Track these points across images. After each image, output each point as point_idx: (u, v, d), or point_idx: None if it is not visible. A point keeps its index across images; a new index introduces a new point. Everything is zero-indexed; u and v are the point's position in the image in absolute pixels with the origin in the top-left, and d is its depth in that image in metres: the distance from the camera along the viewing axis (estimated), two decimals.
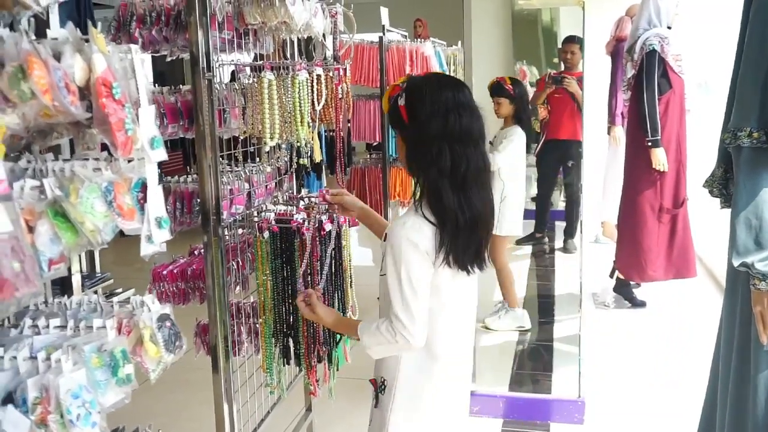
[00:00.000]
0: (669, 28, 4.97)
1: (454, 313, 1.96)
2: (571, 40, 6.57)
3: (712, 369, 2.17)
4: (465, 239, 1.84)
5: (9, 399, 1.13)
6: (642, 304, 5.49)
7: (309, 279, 2.40)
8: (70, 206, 1.14)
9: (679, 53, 5.00)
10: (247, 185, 2.49)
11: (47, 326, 1.32)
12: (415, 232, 1.81)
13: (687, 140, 5.06)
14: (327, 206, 2.35)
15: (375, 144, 4.93)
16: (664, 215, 5.04)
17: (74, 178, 1.21)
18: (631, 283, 5.55)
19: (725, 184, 1.96)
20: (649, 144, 4.89)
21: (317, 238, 2.38)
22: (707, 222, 5.37)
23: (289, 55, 2.79)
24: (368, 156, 5.12)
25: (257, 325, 2.64)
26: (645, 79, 4.88)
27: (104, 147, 1.41)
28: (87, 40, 1.20)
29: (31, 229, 1.10)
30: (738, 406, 1.90)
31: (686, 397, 3.95)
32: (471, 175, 1.82)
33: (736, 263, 1.75)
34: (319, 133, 3.03)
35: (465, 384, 2.10)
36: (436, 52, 4.87)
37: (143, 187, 1.38)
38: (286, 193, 2.86)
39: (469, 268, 1.90)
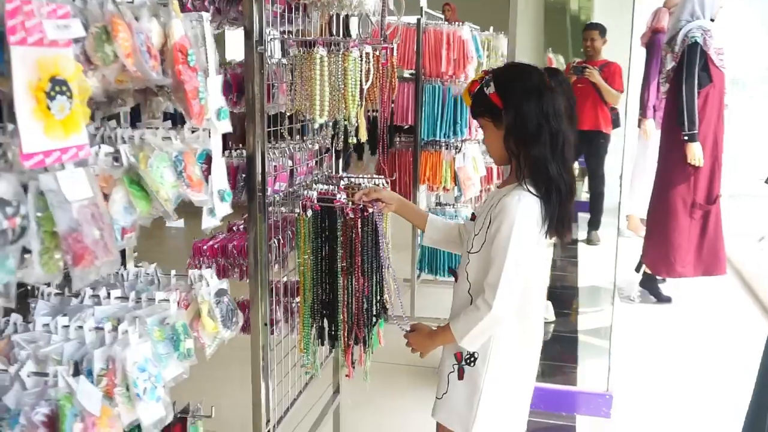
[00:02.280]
0: (712, 20, 4.87)
1: (540, 280, 2.17)
2: (591, 27, 6.48)
3: (760, 370, 2.12)
4: (564, 209, 2.02)
5: (75, 370, 1.11)
6: (668, 300, 5.43)
7: (349, 260, 2.37)
8: (146, 174, 1.11)
9: (721, 47, 4.90)
10: (290, 162, 2.46)
11: (108, 296, 1.30)
12: (529, 207, 1.97)
13: (724, 136, 4.98)
14: (366, 204, 2.33)
15: (406, 127, 4.86)
16: (696, 211, 4.97)
17: (144, 146, 1.18)
18: (657, 278, 5.49)
19: None
20: (686, 138, 4.81)
21: (360, 219, 2.35)
22: (735, 219, 5.29)
23: (334, 32, 2.74)
24: (398, 139, 5.06)
25: (293, 305, 2.61)
26: (685, 71, 4.79)
27: (166, 117, 1.38)
28: (164, 4, 1.17)
29: (105, 197, 1.07)
30: None
31: (712, 396, 3.92)
32: (566, 148, 2.00)
33: None
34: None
35: (540, 347, 2.25)
36: (473, 36, 4.80)
37: (207, 158, 1.35)
38: (326, 172, 2.83)
39: (563, 236, 2.09)
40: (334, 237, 2.39)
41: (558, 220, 2.03)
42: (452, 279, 2.25)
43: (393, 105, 3.57)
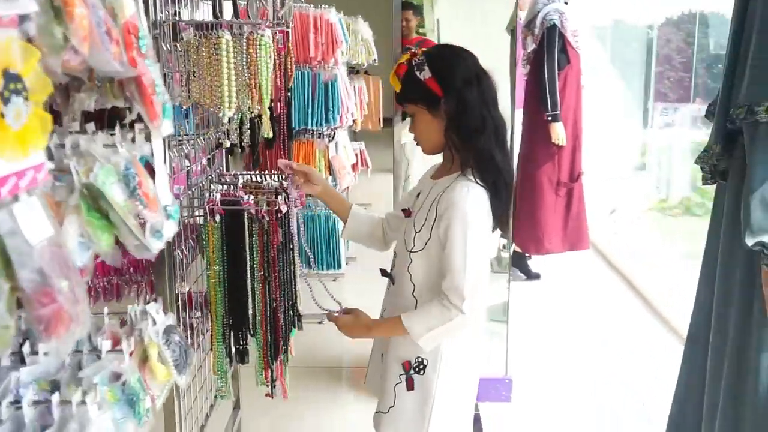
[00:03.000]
0: (566, 3, 5.01)
1: (487, 272, 2.04)
2: (405, 7, 6.48)
3: (687, 357, 2.12)
4: (506, 198, 1.93)
5: None
6: (537, 276, 5.58)
7: (267, 267, 2.13)
8: (112, 196, 0.84)
9: (576, 28, 5.06)
10: (186, 162, 2.17)
11: (34, 351, 1.00)
12: (479, 200, 1.84)
13: (582, 115, 5.17)
14: (288, 176, 2.09)
15: (275, 115, 4.60)
16: (561, 188, 5.14)
17: (84, 157, 0.90)
18: (526, 255, 5.63)
19: (720, 161, 1.90)
20: (549, 119, 4.94)
21: (275, 221, 2.11)
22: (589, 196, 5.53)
23: (223, 14, 2.46)
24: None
25: (195, 320, 2.33)
26: (546, 53, 4.92)
27: (87, 118, 1.10)
28: None
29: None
30: (734, 392, 1.86)
31: (594, 374, 4.05)
32: (504, 135, 1.92)
33: (750, 242, 1.69)
34: None
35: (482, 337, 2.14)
36: (339, 19, 4.61)
37: (147, 168, 1.08)
38: (216, 171, 2.55)
39: (505, 228, 2.05)
40: (243, 243, 2.14)
41: (504, 209, 1.94)
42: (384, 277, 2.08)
43: (289, 94, 3.32)
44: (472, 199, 1.82)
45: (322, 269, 4.76)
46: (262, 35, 1.95)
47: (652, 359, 4.20)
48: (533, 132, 5.12)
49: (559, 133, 4.96)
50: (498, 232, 2.00)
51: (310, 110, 4.44)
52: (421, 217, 1.91)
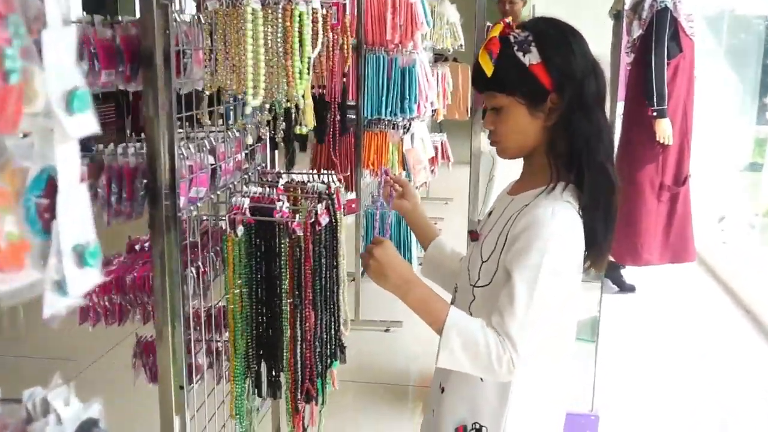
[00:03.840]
0: None
1: (573, 331, 1.55)
2: None
3: None
4: (611, 226, 1.47)
5: None
6: (632, 289, 5.01)
7: (297, 292, 1.74)
8: None
9: (690, 13, 4.46)
10: (211, 158, 1.81)
11: None
12: (570, 225, 1.40)
13: (693, 111, 4.57)
14: (383, 185, 1.74)
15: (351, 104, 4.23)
16: (664, 193, 4.58)
17: None
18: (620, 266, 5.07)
19: None
20: (654, 114, 4.39)
21: (310, 236, 1.72)
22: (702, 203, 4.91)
23: None
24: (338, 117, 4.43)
25: (219, 344, 1.98)
26: (654, 40, 4.35)
27: None
28: None
29: None
30: None
31: (682, 394, 3.51)
32: (613, 144, 1.54)
33: None
34: None
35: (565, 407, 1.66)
36: (421, 0, 4.18)
37: (49, 186, 0.70)
38: (258, 168, 2.18)
39: (600, 266, 1.55)
40: (274, 261, 1.76)
41: (608, 246, 1.49)
42: None
43: (344, 80, 2.92)
44: (561, 221, 1.38)
45: None
46: (297, 3, 1.55)
47: (762, 391, 3.62)
48: (635, 128, 4.57)
49: (665, 130, 4.39)
50: None
51: (384, 98, 4.05)
52: (490, 242, 1.48)
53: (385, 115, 4.07)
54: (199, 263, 1.76)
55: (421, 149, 4.39)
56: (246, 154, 2.09)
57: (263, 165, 2.21)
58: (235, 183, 1.97)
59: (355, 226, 4.16)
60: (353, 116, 3.97)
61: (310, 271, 1.71)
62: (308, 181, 2.09)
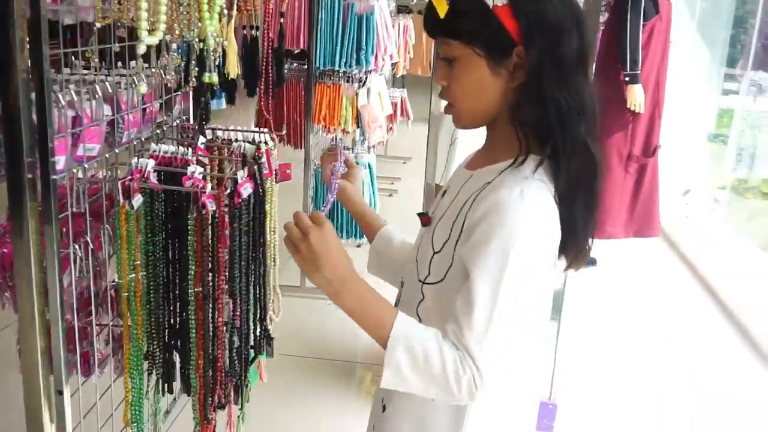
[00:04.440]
0: None
1: (540, 331, 1.24)
2: None
3: None
4: (593, 215, 1.20)
5: None
6: (592, 262, 4.79)
7: (210, 278, 1.42)
8: None
9: None
10: (107, 108, 1.45)
11: None
12: (542, 209, 1.10)
13: (667, 78, 4.31)
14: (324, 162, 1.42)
15: (296, 52, 3.85)
16: (632, 164, 4.36)
17: None
18: None
19: None
20: (627, 79, 4.13)
21: (226, 211, 1.39)
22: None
23: None
24: (286, 66, 4.04)
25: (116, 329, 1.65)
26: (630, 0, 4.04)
27: None
28: None
29: None
30: None
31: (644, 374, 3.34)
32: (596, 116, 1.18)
33: None
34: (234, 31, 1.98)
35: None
36: None
37: None
38: (176, 122, 1.83)
39: (579, 260, 1.22)
40: (181, 235, 1.43)
41: (589, 231, 1.20)
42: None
43: (282, 20, 2.52)
44: (531, 205, 1.08)
45: (342, 237, 4.07)
46: None
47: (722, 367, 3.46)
48: (605, 94, 4.27)
49: (637, 96, 4.14)
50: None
51: (339, 47, 3.67)
52: (443, 228, 1.18)
53: (339, 67, 3.70)
54: (88, 238, 1.41)
55: (377, 105, 4.04)
56: (161, 104, 1.74)
57: (184, 118, 1.86)
58: (143, 140, 1.62)
59: (303, 187, 3.83)
60: (303, 65, 3.60)
61: (224, 254, 1.39)
62: (236, 140, 1.75)
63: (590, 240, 1.21)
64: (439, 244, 1.17)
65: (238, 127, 1.81)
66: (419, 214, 1.28)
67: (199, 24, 1.24)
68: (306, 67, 3.71)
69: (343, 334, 3.61)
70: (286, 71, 3.98)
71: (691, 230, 5.46)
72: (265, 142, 1.77)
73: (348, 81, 3.82)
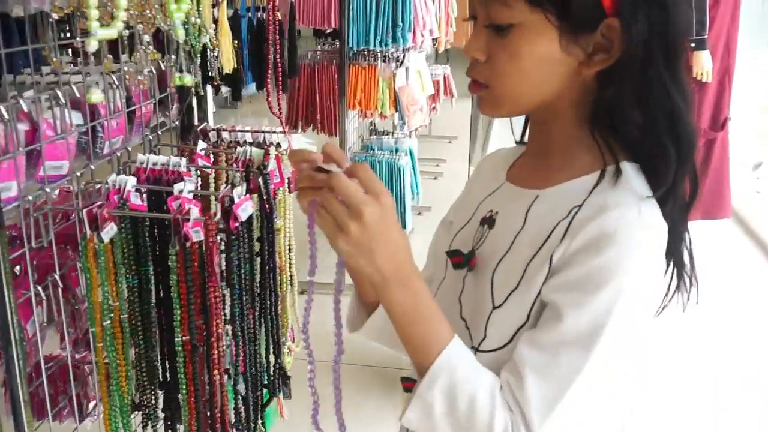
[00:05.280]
0: None
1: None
2: None
3: None
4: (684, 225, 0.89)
5: None
6: None
7: (203, 322, 1.17)
8: None
9: None
10: (77, 116, 1.20)
11: None
12: (657, 240, 0.80)
13: (737, 43, 3.91)
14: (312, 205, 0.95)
15: (329, 31, 3.57)
16: (699, 139, 3.93)
17: None
18: None
19: None
20: (692, 45, 3.72)
21: (215, 241, 1.13)
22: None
23: None
24: (318, 48, 3.77)
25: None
26: None
27: None
28: None
29: None
30: None
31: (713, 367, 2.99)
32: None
33: None
34: (235, 13, 1.71)
35: None
36: None
37: None
38: (173, 123, 1.57)
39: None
40: (165, 263, 1.18)
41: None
42: None
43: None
44: (650, 231, 0.80)
45: None
46: None
47: None
48: None
49: (704, 64, 3.76)
50: None
51: (372, 25, 3.38)
52: (508, 273, 0.85)
53: (374, 46, 3.40)
54: (56, 276, 1.17)
55: (417, 86, 3.74)
56: (154, 104, 1.49)
57: (182, 121, 1.60)
58: (129, 149, 1.37)
59: None
60: (333, 46, 3.31)
61: (216, 293, 1.13)
62: (243, 143, 1.50)
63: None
64: (501, 296, 0.85)
65: (246, 127, 1.55)
66: (451, 254, 0.93)
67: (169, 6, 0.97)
68: (338, 47, 3.42)
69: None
70: (319, 52, 3.71)
71: (763, 207, 5.02)
72: (278, 144, 1.50)
73: (384, 61, 3.53)
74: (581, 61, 0.81)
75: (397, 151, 3.88)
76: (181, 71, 1.04)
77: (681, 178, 0.82)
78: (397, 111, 3.60)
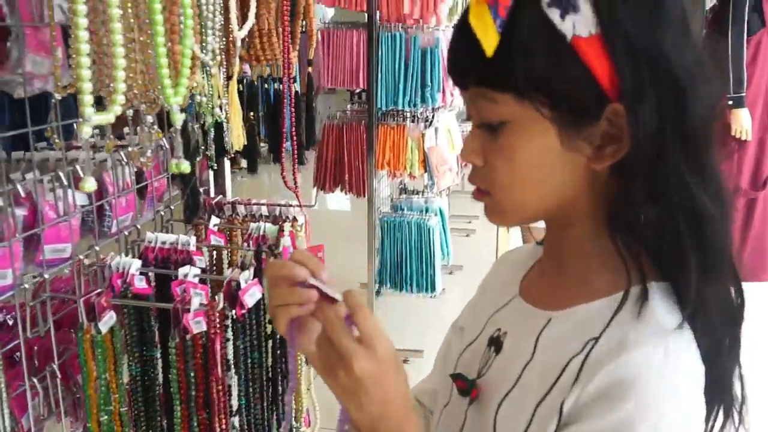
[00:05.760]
0: None
1: None
2: None
3: None
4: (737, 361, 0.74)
5: None
6: None
7: (206, 416, 1.09)
8: None
9: None
10: (81, 198, 1.16)
11: None
12: (694, 386, 0.67)
13: None
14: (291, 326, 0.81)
15: (358, 91, 3.56)
16: (739, 199, 3.85)
17: None
18: None
19: None
20: (730, 103, 3.65)
21: (220, 330, 1.06)
22: None
23: None
24: (348, 108, 3.75)
25: None
26: (732, 12, 3.60)
27: None
28: None
29: None
30: None
31: None
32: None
33: None
34: (250, 85, 1.67)
35: None
36: None
37: None
38: (187, 196, 1.53)
39: None
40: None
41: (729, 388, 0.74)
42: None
43: (310, 69, 2.20)
44: (681, 373, 0.66)
45: (412, 292, 3.72)
46: None
47: None
48: None
49: (743, 122, 3.68)
50: None
51: (402, 85, 3.35)
52: (514, 410, 0.74)
53: (403, 106, 3.38)
54: (54, 366, 1.11)
55: (447, 145, 3.69)
56: (168, 178, 1.44)
57: (200, 194, 1.56)
58: (139, 227, 1.32)
59: (367, 241, 3.49)
60: (363, 106, 3.29)
61: (217, 388, 1.06)
62: (259, 217, 1.44)
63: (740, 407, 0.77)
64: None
65: (262, 200, 1.50)
66: (455, 377, 0.82)
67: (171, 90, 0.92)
68: (368, 107, 3.41)
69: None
70: (347, 112, 3.70)
71: None
72: (294, 218, 1.45)
73: (413, 121, 3.49)
74: (589, 157, 0.69)
75: (427, 210, 3.82)
76: (179, 157, 1.00)
77: (710, 295, 0.69)
78: (426, 171, 3.55)
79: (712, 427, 0.71)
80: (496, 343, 0.80)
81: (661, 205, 0.68)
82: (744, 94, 3.64)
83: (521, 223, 0.79)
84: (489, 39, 0.66)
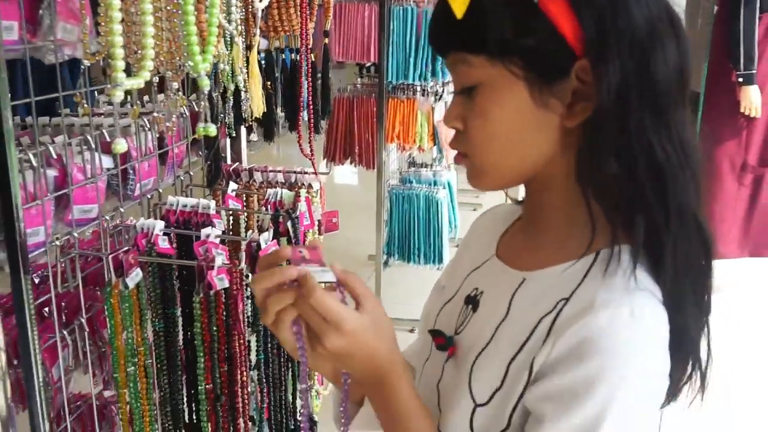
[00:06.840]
0: None
1: None
2: None
3: None
4: (706, 319, 0.78)
5: None
6: None
7: (227, 369, 1.15)
8: None
9: None
10: (107, 160, 1.21)
11: None
12: (658, 344, 0.70)
13: None
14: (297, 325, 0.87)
15: (368, 65, 3.59)
16: (746, 175, 3.90)
17: None
18: None
19: None
20: (740, 80, 3.66)
21: (241, 288, 1.12)
22: None
23: None
24: (358, 81, 3.79)
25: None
26: None
27: None
28: None
29: None
30: None
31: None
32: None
33: None
34: (267, 55, 1.71)
35: None
36: None
37: None
38: (207, 163, 1.58)
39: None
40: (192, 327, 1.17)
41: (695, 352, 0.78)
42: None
43: (326, 40, 2.23)
44: (646, 334, 0.69)
45: (419, 263, 3.78)
46: None
47: None
48: (715, 97, 3.85)
49: (752, 99, 3.68)
50: None
51: (412, 59, 3.38)
52: (489, 369, 0.77)
53: (413, 80, 3.41)
54: (82, 320, 1.17)
55: None
56: (188, 144, 1.49)
57: (216, 159, 1.60)
58: (160, 191, 1.37)
59: (375, 213, 3.54)
60: (373, 79, 3.32)
61: (239, 342, 1.11)
62: (276, 183, 1.49)
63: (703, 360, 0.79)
64: (484, 394, 0.76)
65: (278, 167, 1.55)
66: (434, 333, 0.85)
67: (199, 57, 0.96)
68: (378, 80, 3.43)
69: None
70: (358, 85, 3.73)
71: None
72: (309, 185, 1.49)
73: (423, 95, 3.52)
74: (562, 114, 0.72)
75: (435, 183, 3.86)
76: (206, 121, 1.03)
77: (677, 253, 0.71)
78: (435, 144, 3.59)
79: (677, 383, 0.76)
80: (473, 302, 0.84)
81: (623, 160, 0.70)
82: (755, 72, 3.63)
83: (502, 186, 0.81)
84: (459, 5, 0.70)
